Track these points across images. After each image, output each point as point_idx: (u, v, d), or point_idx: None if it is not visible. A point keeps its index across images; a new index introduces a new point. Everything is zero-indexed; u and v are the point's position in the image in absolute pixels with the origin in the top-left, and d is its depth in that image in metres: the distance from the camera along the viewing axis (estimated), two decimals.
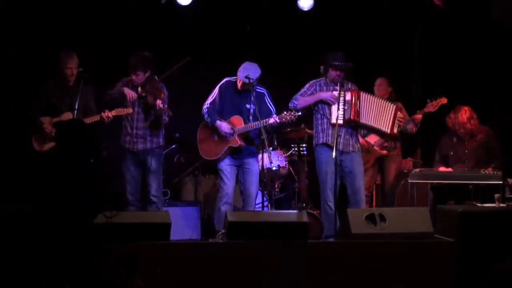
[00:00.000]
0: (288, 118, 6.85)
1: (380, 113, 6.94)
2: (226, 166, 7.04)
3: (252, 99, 6.95)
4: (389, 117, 6.95)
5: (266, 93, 7.08)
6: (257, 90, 7.00)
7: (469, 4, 8.41)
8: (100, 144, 6.55)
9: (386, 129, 6.97)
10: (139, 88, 7.05)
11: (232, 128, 6.97)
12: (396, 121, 6.98)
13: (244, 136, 7.02)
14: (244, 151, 7.04)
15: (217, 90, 7.10)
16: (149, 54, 7.10)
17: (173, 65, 7.16)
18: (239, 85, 6.99)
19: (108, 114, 6.90)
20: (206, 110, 7.05)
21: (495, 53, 8.46)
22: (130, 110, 6.99)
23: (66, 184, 4.98)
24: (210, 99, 7.08)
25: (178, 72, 7.15)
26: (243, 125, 6.98)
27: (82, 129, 5.46)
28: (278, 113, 6.97)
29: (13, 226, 4.95)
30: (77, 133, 5.33)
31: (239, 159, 7.06)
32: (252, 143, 7.09)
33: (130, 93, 7.02)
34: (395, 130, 7.02)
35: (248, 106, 7.03)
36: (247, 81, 6.86)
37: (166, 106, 6.96)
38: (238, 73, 6.94)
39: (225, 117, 7.05)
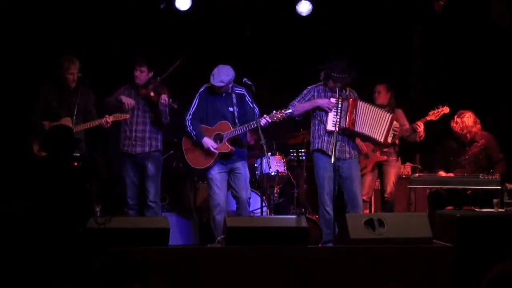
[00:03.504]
0: (279, 116, 6.81)
1: (376, 122, 6.90)
2: (216, 175, 6.96)
3: (234, 101, 6.94)
4: (384, 126, 6.92)
5: (245, 93, 7.01)
6: (236, 91, 6.98)
7: (469, 6, 8.42)
8: (95, 151, 6.58)
9: (380, 139, 6.95)
10: (142, 90, 7.07)
11: (216, 147, 6.91)
12: (392, 131, 6.95)
13: (233, 139, 6.99)
14: (234, 155, 6.99)
15: (197, 99, 7.03)
16: (153, 54, 7.15)
17: (166, 69, 7.16)
18: (215, 88, 6.96)
19: (107, 119, 6.92)
20: (190, 122, 6.96)
21: (495, 55, 8.46)
22: (128, 116, 7.02)
23: (58, 188, 4.99)
24: (191, 109, 7.01)
25: (171, 75, 7.15)
26: (231, 129, 6.95)
27: (70, 135, 5.44)
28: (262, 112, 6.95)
29: (10, 227, 4.94)
30: (63, 139, 5.33)
31: (229, 164, 7.00)
32: (241, 145, 7.05)
33: (128, 101, 7.06)
34: (389, 140, 7.00)
35: (231, 109, 6.99)
36: (221, 84, 6.84)
37: (171, 100, 6.97)
38: (211, 78, 6.88)
39: (210, 123, 6.99)
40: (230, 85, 6.92)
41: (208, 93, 7.02)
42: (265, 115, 6.86)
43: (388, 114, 6.99)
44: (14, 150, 7.21)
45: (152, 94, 7.03)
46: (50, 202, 4.92)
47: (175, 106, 7.02)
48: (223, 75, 6.86)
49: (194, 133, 6.96)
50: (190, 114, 7.00)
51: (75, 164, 5.33)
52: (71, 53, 7.08)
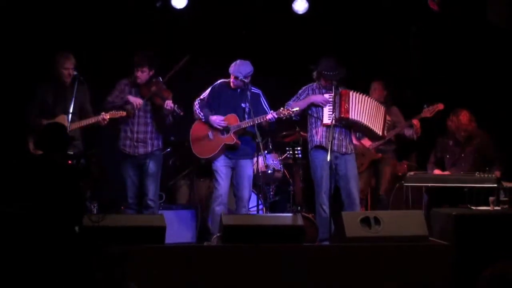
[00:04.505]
0: (286, 113, 6.86)
1: (373, 112, 6.99)
2: (222, 167, 7.03)
3: (248, 98, 6.97)
4: (380, 118, 7.02)
5: (261, 94, 7.11)
6: (252, 90, 7.03)
7: (465, 6, 8.42)
8: (89, 149, 6.55)
9: (379, 131, 7.02)
10: (144, 90, 7.04)
11: (226, 122, 6.98)
12: (386, 124, 7.04)
13: (240, 134, 7.02)
14: (240, 151, 7.03)
15: (209, 89, 7.13)
16: (154, 53, 7.13)
17: (173, 66, 7.16)
18: (232, 83, 7.02)
19: (104, 116, 6.89)
20: (198, 105, 7.08)
21: (491, 55, 8.47)
22: (124, 113, 6.97)
23: (52, 186, 4.98)
24: (201, 97, 7.12)
25: (179, 72, 7.16)
26: (238, 122, 6.99)
27: (63, 133, 5.42)
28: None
29: (10, 227, 4.93)
30: (57, 137, 5.31)
31: (234, 159, 7.04)
32: (249, 142, 7.08)
33: (136, 101, 7.01)
34: (385, 133, 7.11)
35: (243, 105, 7.04)
36: (240, 76, 6.90)
37: (176, 105, 6.97)
38: (230, 69, 6.99)
39: (220, 115, 7.06)
40: (247, 80, 6.96)
41: (223, 87, 7.11)
42: (272, 111, 6.94)
43: (382, 106, 7.11)
44: (13, 149, 7.19)
45: (156, 100, 7.01)
46: (45, 200, 4.91)
47: (181, 113, 7.02)
48: (242, 67, 6.96)
49: (202, 114, 7.05)
50: (199, 99, 7.11)
51: (69, 162, 5.31)
52: (65, 50, 7.06)
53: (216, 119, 7.01)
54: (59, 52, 7.02)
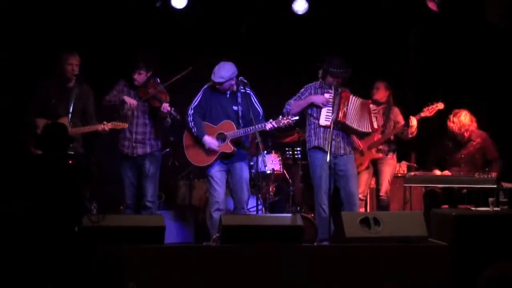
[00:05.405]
0: (285, 122, 6.82)
1: (361, 115, 6.99)
2: (216, 173, 6.94)
3: (239, 100, 6.92)
4: (367, 118, 7.00)
5: (252, 94, 7.01)
6: (242, 91, 6.95)
7: (465, 7, 8.42)
8: (89, 149, 6.55)
9: (368, 129, 7.04)
10: (142, 92, 7.03)
11: (219, 146, 6.89)
12: (373, 116, 7.02)
13: (236, 140, 6.97)
14: (235, 155, 6.96)
15: (200, 94, 6.99)
16: (152, 54, 7.11)
17: (174, 74, 7.13)
18: (216, 85, 6.92)
19: (105, 127, 6.87)
20: (191, 118, 6.91)
21: (491, 55, 8.47)
22: (126, 125, 6.96)
23: (52, 186, 4.98)
24: (194, 103, 6.96)
25: (178, 81, 7.13)
26: (235, 129, 6.91)
27: (63, 133, 5.41)
28: (268, 115, 6.95)
29: (10, 227, 4.93)
30: (57, 137, 5.31)
31: (229, 164, 6.97)
32: (243, 146, 7.03)
33: (130, 101, 6.99)
34: (375, 125, 7.06)
35: (235, 108, 6.96)
36: (221, 80, 6.81)
37: (173, 108, 6.95)
38: (212, 75, 6.87)
39: (213, 121, 6.95)
40: (233, 82, 6.88)
41: (213, 91, 6.97)
42: (271, 120, 6.85)
43: (366, 104, 7.05)
44: (13, 149, 7.18)
45: (154, 102, 7.00)
46: (44, 200, 4.91)
47: (178, 117, 6.99)
48: (223, 71, 6.83)
49: (195, 129, 6.91)
50: (191, 108, 6.95)
51: (69, 162, 5.31)
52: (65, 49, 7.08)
53: (211, 144, 6.85)
54: (64, 49, 7.02)
